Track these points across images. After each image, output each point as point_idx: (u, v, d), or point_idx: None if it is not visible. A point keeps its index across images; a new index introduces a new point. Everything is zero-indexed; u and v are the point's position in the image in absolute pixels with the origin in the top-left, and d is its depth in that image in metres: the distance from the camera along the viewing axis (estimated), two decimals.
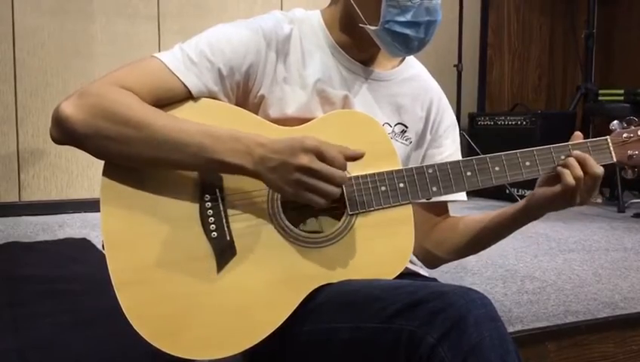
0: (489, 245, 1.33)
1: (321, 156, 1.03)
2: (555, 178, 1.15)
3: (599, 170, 1.14)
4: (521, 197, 3.52)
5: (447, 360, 0.91)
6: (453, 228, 1.32)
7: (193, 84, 1.10)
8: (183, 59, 1.10)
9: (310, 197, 1.03)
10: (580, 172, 1.13)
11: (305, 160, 1.01)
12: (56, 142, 1.08)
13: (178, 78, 1.09)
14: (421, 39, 1.15)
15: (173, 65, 1.10)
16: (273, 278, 1.09)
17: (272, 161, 1.03)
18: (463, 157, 1.25)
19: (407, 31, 1.13)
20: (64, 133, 1.05)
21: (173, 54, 1.12)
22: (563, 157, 1.17)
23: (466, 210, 1.37)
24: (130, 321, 1.03)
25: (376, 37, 1.16)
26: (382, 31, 1.14)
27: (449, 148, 1.32)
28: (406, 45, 1.15)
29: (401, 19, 1.12)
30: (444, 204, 1.34)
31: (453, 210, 1.38)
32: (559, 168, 1.15)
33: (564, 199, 1.15)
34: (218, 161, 1.04)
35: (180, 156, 1.04)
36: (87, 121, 1.03)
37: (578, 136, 1.19)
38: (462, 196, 1.27)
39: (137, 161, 1.06)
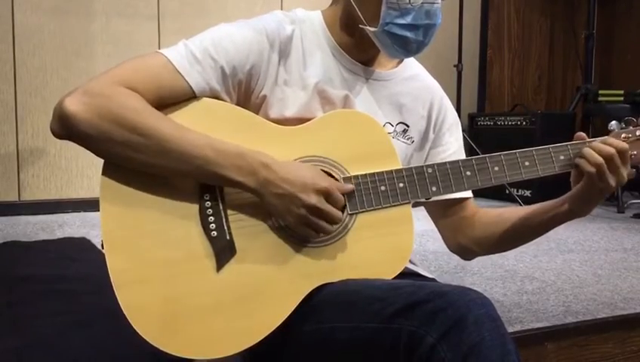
0: (525, 243, 1.35)
1: (327, 197, 1.07)
2: (578, 171, 1.16)
3: (620, 145, 1.14)
4: (521, 197, 3.52)
5: (447, 360, 0.91)
6: (486, 225, 1.32)
7: (196, 82, 1.10)
8: (187, 57, 1.11)
9: (308, 231, 1.08)
10: (597, 158, 1.13)
11: (314, 200, 1.06)
12: (56, 137, 1.07)
13: (182, 75, 1.09)
14: (420, 42, 1.15)
15: (178, 62, 1.10)
16: (273, 278, 1.09)
17: (279, 188, 1.05)
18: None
19: (407, 33, 1.13)
20: (67, 129, 1.05)
21: (177, 51, 1.12)
22: (562, 157, 1.17)
23: None
24: (130, 320, 1.03)
25: (375, 38, 1.16)
26: (381, 33, 1.14)
27: (452, 146, 1.33)
28: (405, 47, 1.15)
29: (401, 21, 1.12)
30: (466, 199, 1.33)
31: None
32: (576, 160, 1.16)
33: (592, 187, 1.15)
34: (221, 175, 1.05)
35: (184, 167, 1.05)
36: (93, 121, 1.03)
37: (580, 137, 1.19)
38: (467, 193, 1.28)
39: (140, 166, 1.06)
